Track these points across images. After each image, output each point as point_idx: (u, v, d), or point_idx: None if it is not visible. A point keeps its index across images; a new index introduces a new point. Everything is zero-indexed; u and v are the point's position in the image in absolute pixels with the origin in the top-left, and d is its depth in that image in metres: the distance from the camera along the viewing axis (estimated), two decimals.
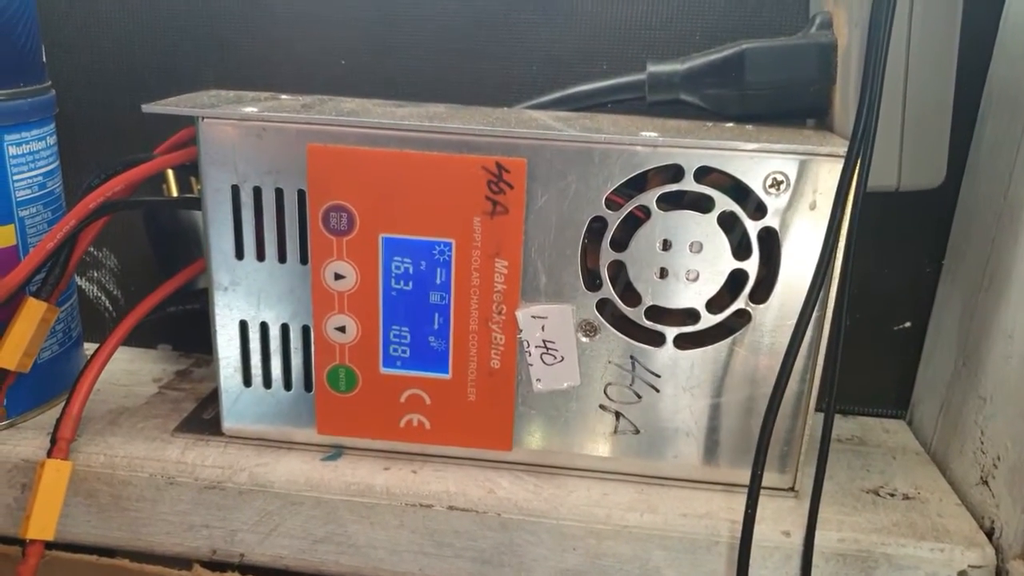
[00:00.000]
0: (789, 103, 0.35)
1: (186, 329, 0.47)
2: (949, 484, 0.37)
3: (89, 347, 0.45)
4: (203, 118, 0.33)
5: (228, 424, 0.37)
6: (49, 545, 0.34)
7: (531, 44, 0.42)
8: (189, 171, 0.42)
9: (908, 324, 0.43)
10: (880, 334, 0.43)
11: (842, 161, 0.30)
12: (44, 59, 0.38)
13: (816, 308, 0.31)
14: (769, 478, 0.35)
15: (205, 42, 0.44)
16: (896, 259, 0.42)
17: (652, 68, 0.36)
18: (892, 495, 0.36)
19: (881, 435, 0.42)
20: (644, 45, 0.41)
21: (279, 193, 0.33)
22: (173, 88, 0.38)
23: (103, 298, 0.48)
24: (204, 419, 0.39)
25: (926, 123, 0.32)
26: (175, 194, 0.43)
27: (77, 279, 0.48)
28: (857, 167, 0.29)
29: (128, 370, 0.45)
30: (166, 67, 0.44)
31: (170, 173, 0.43)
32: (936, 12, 0.31)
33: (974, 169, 0.39)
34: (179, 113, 0.33)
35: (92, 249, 0.47)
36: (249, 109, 0.33)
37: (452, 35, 0.42)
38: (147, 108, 0.33)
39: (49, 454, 0.35)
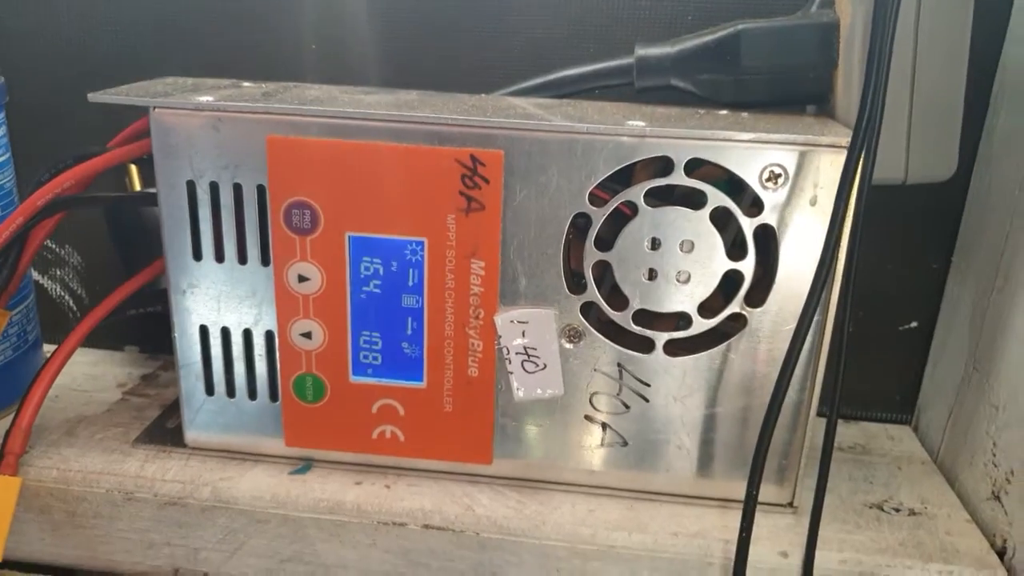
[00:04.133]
0: (788, 88, 0.32)
1: (154, 330, 0.44)
2: (958, 498, 0.35)
3: (51, 349, 0.42)
4: (154, 108, 0.30)
5: (191, 435, 0.35)
6: (0, 564, 0.32)
7: (512, 25, 0.39)
8: (150, 164, 0.39)
9: (914, 324, 0.41)
10: (884, 334, 0.41)
11: (845, 152, 0.28)
12: None
13: (817, 312, 0.29)
14: (765, 492, 0.33)
15: (169, 26, 0.41)
16: (901, 254, 0.40)
17: (641, 51, 0.33)
18: (897, 510, 0.34)
19: (885, 443, 0.40)
20: (633, 26, 0.38)
21: (237, 189, 0.31)
22: (135, 76, 0.36)
23: (67, 297, 0.46)
24: (167, 428, 0.37)
25: (936, 111, 0.30)
26: (137, 188, 0.40)
27: (38, 277, 0.45)
28: (861, 159, 0.27)
29: (91, 374, 0.42)
30: (128, 53, 0.42)
31: (132, 166, 0.40)
32: None
33: (986, 160, 0.36)
34: (128, 103, 0.31)
35: (54, 246, 0.45)
36: (205, 98, 0.30)
37: (427, 15, 0.39)
38: (94, 97, 0.31)
39: None
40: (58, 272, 0.45)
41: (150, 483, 0.34)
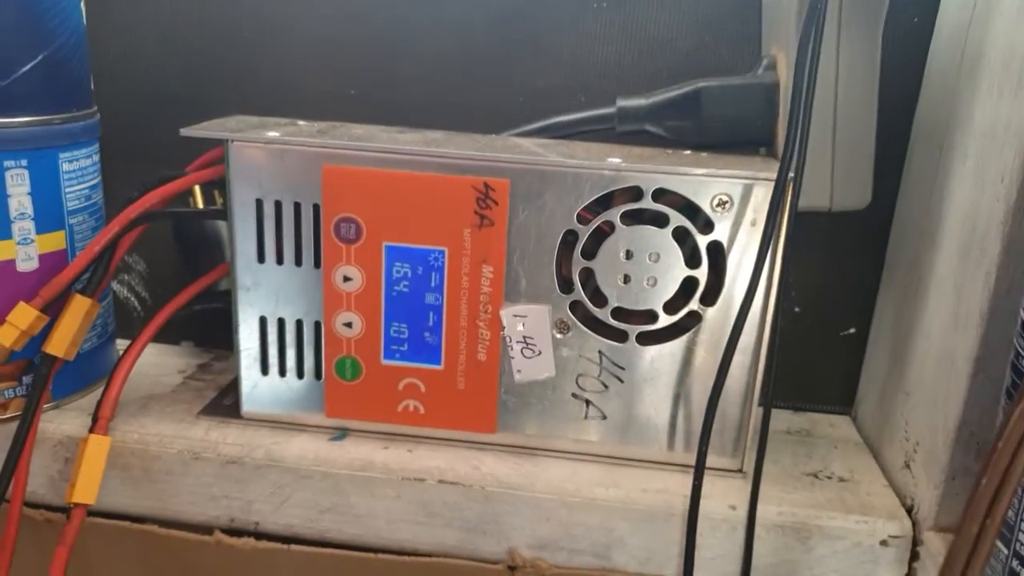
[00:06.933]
0: (740, 134, 0.40)
1: (207, 328, 0.52)
2: (880, 469, 0.42)
3: (120, 343, 0.50)
4: (232, 141, 0.38)
5: (246, 408, 0.42)
6: (88, 512, 0.38)
7: (519, 78, 0.47)
8: (213, 186, 0.47)
9: (853, 330, 0.48)
10: (829, 339, 0.48)
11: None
12: (92, 87, 0.44)
13: (761, 312, 0.37)
14: (721, 460, 0.40)
15: (230, 70, 0.49)
16: (844, 272, 0.47)
17: (621, 103, 0.41)
18: (829, 478, 0.41)
19: (827, 428, 0.47)
20: (617, 81, 0.46)
21: (297, 206, 0.38)
22: (200, 111, 0.43)
23: (132, 299, 0.53)
24: (225, 404, 0.44)
25: (854, 152, 0.38)
26: (200, 206, 0.48)
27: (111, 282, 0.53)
28: (788, 188, 0.35)
29: (155, 363, 0.50)
30: (195, 92, 0.49)
31: (196, 188, 0.48)
32: (859, 58, 0.37)
33: (905, 192, 0.44)
34: (212, 136, 0.38)
35: (123, 255, 0.52)
36: (272, 134, 0.38)
37: (450, 69, 0.47)
38: (185, 132, 0.38)
39: (91, 430, 0.39)
40: (126, 277, 0.53)
41: (213, 445, 0.41)
